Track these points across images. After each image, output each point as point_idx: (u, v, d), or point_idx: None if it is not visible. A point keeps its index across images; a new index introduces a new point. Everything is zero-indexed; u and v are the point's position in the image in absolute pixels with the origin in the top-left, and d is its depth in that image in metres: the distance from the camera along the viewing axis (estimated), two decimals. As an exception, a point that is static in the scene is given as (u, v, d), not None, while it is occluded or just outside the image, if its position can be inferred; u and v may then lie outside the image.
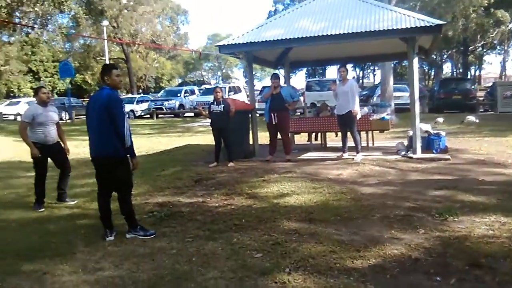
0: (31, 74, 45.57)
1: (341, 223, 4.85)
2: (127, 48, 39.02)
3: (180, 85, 54.70)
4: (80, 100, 33.74)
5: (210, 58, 63.97)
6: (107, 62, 36.53)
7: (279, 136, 8.78)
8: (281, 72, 12.02)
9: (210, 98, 22.95)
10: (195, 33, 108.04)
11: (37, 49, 44.15)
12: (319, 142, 10.78)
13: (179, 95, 26.56)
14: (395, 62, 32.00)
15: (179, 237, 4.70)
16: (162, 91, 31.92)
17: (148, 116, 25.75)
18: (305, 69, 64.72)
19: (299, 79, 77.56)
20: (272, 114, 8.51)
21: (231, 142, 8.35)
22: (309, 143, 10.86)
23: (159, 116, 25.15)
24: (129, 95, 30.46)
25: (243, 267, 3.79)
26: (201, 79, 68.29)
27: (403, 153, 8.50)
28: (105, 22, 31.21)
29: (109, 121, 4.50)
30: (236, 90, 25.55)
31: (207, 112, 8.59)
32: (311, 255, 3.94)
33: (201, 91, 27.98)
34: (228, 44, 8.60)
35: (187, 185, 7.17)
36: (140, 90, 50.92)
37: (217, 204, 5.91)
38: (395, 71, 37.21)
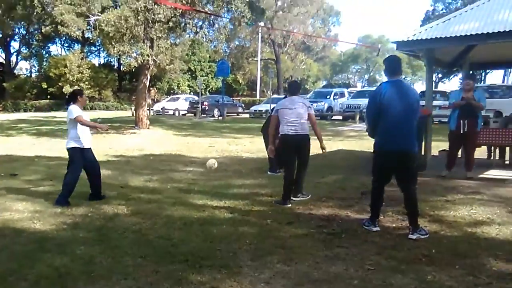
0: (189, 73, 49.20)
1: None
2: (278, 49, 39.65)
3: (324, 87, 54.16)
4: (230, 98, 35.10)
5: (359, 61, 62.28)
6: (259, 62, 37.66)
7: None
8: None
9: (361, 101, 22.21)
10: (345, 34, 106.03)
11: (196, 50, 47.51)
12: (497, 158, 9.12)
13: (328, 97, 25.80)
14: None
15: (356, 262, 3.98)
16: (311, 92, 31.57)
17: (296, 117, 25.54)
18: (460, 74, 59.35)
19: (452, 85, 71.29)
20: (461, 121, 7.22)
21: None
22: (488, 159, 9.27)
23: (307, 118, 24.81)
24: (275, 96, 30.65)
25: (451, 319, 2.93)
26: (347, 81, 66.85)
27: None
28: (261, 23, 32.07)
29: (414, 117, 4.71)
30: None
31: None
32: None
33: (351, 94, 26.92)
34: (407, 41, 7.57)
35: (353, 196, 6.42)
36: (285, 92, 51.59)
37: (394, 225, 5.06)
38: None
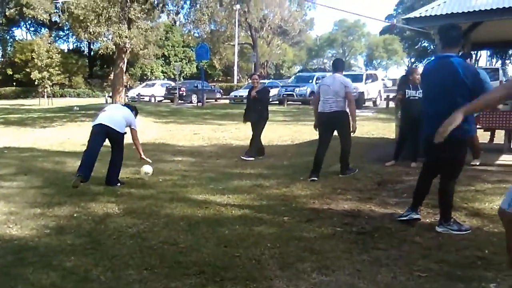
0: (163, 58, 47.86)
1: None
2: (255, 33, 38.76)
3: (300, 72, 53.59)
4: (208, 84, 34.12)
5: (335, 45, 61.87)
6: (236, 46, 36.64)
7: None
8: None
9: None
10: (321, 19, 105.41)
11: (170, 34, 46.20)
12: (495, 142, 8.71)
13: (310, 81, 25.16)
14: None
15: (402, 268, 3.39)
16: (293, 77, 30.91)
17: (277, 102, 24.90)
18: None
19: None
20: None
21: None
22: (489, 143, 8.84)
23: (289, 102, 24.20)
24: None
25: None
26: (323, 66, 66.51)
27: None
28: (237, 6, 31.14)
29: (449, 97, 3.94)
30: (373, 77, 23.60)
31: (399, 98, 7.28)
32: None
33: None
34: (419, 17, 6.99)
35: (369, 188, 5.84)
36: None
37: (427, 220, 4.49)
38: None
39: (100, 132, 6.09)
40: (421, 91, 6.56)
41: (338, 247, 3.83)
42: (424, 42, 57.73)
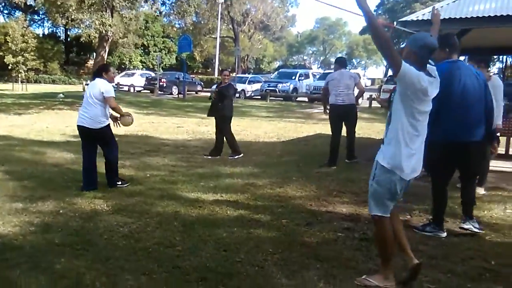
0: (142, 48, 46.97)
1: None
2: (237, 27, 38.43)
3: (280, 68, 53.53)
4: (189, 76, 33.67)
5: (315, 43, 61.95)
6: (218, 39, 36.21)
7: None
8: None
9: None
10: (303, 15, 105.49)
11: (150, 24, 45.39)
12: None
13: (293, 78, 25.11)
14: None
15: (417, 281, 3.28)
16: (276, 72, 30.77)
17: (259, 97, 24.73)
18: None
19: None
20: None
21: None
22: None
23: (271, 98, 24.06)
24: (237, 75, 29.69)
25: None
26: (302, 63, 66.63)
27: None
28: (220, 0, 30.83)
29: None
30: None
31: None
32: None
33: (315, 75, 26.36)
34: (417, 20, 6.95)
35: (365, 190, 5.64)
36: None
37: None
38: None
39: (82, 136, 5.59)
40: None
41: (341, 254, 3.70)
42: (402, 43, 58.34)
